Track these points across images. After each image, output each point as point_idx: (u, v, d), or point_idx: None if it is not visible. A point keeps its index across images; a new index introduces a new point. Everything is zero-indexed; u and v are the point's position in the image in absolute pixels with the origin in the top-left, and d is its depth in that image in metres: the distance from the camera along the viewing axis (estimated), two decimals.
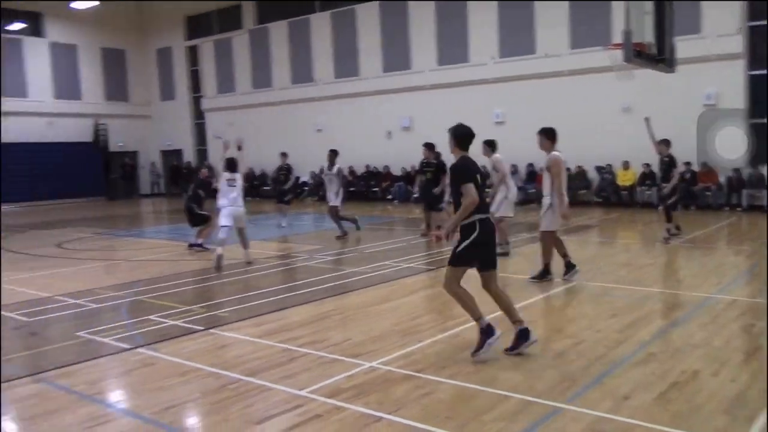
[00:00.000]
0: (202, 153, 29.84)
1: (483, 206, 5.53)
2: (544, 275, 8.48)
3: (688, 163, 16.63)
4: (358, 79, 24.01)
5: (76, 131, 28.40)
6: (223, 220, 10.49)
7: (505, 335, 5.55)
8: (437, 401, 4.58)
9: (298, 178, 19.81)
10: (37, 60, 27.55)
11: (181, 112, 30.49)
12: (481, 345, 5.42)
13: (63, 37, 28.35)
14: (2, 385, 5.16)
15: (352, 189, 23.82)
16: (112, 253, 12.92)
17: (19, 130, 25.32)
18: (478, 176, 5.50)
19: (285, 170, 16.46)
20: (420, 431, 4.08)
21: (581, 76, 18.66)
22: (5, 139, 24.92)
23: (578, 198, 18.22)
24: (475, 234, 5.42)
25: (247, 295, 8.28)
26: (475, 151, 6.01)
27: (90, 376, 5.38)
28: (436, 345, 5.91)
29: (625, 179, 18.43)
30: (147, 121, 31.42)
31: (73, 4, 26.44)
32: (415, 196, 20.40)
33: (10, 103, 25.27)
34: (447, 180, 12.11)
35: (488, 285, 5.63)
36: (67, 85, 28.46)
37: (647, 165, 17.37)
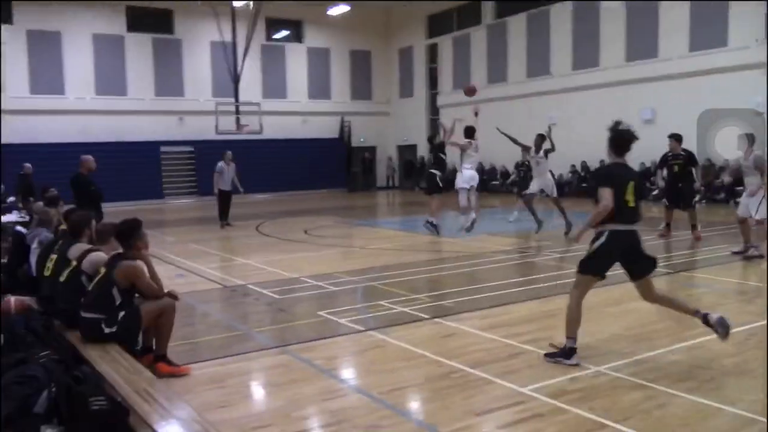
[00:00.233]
0: (429, 151, 30.73)
1: (622, 216, 5.09)
2: None
3: None
4: (598, 69, 22.87)
5: (326, 128, 30.98)
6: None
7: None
8: (671, 415, 4.23)
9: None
10: (296, 64, 30.55)
11: (418, 109, 31.72)
12: (561, 354, 5.25)
13: (318, 41, 31.04)
14: (257, 353, 5.85)
15: (584, 185, 22.90)
16: (350, 241, 13.90)
17: (278, 127, 28.25)
18: (632, 183, 5.09)
19: (526, 167, 16.20)
20: None
21: None
22: (271, 135, 27.82)
23: None
24: (601, 242, 5.13)
25: (472, 288, 8.37)
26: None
27: (327, 353, 5.86)
28: (671, 355, 5.45)
29: None
30: (386, 117, 33.21)
31: (330, 11, 28.88)
32: (655, 192, 18.91)
33: (272, 104, 28.31)
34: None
35: (645, 295, 5.39)
36: (319, 86, 31.15)
37: None
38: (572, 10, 23.79)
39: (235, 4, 24.31)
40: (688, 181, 11.84)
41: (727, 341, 5.18)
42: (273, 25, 29.75)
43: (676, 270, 9.24)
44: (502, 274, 9.39)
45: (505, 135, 12.72)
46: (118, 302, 5.11)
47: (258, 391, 5.18)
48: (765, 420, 4.07)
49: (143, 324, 5.24)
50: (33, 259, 6.92)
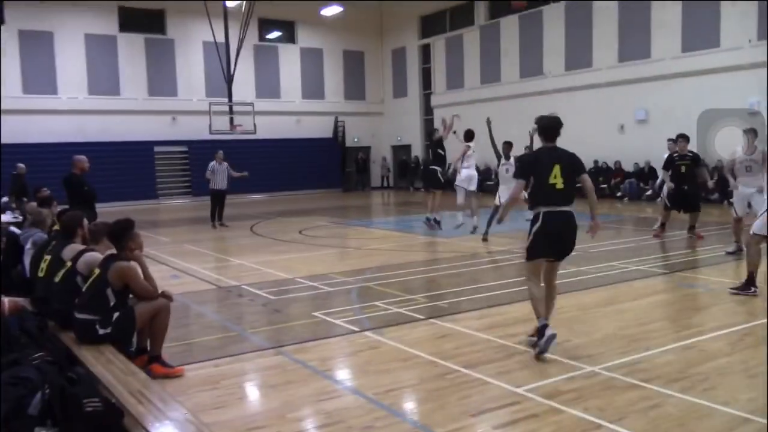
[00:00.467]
0: (428, 148, 30.75)
1: (551, 198, 5.41)
2: None
3: None
4: (591, 70, 22.96)
5: (319, 128, 30.96)
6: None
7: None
8: (666, 415, 4.24)
9: None
10: (289, 65, 30.52)
11: (412, 109, 31.76)
12: (539, 337, 5.45)
13: (311, 42, 31.04)
14: (252, 354, 5.84)
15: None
16: (345, 241, 13.90)
17: (272, 127, 28.19)
18: (558, 166, 5.34)
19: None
20: None
21: None
22: (264, 135, 27.74)
23: None
24: (537, 226, 5.41)
25: (467, 288, 8.38)
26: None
27: (322, 354, 5.85)
28: (666, 355, 5.46)
29: None
30: (380, 117, 33.22)
31: (323, 11, 28.86)
32: (648, 193, 19.06)
33: (265, 104, 28.28)
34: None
35: (547, 276, 5.70)
36: (313, 86, 31.13)
37: None
38: (565, 10, 23.86)
39: (228, 4, 24.27)
40: (694, 183, 11.74)
41: (541, 359, 5.34)
42: (266, 25, 29.74)
43: (671, 270, 9.28)
44: (498, 275, 9.41)
45: (490, 132, 12.45)
46: (112, 303, 5.09)
47: (253, 393, 5.17)
48: (760, 420, 4.09)
49: (137, 325, 5.22)
50: (27, 259, 6.87)
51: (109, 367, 4.52)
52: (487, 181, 26.03)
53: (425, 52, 30.99)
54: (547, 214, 5.38)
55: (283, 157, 29.12)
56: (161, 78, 27.40)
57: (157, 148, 27.18)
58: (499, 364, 5.34)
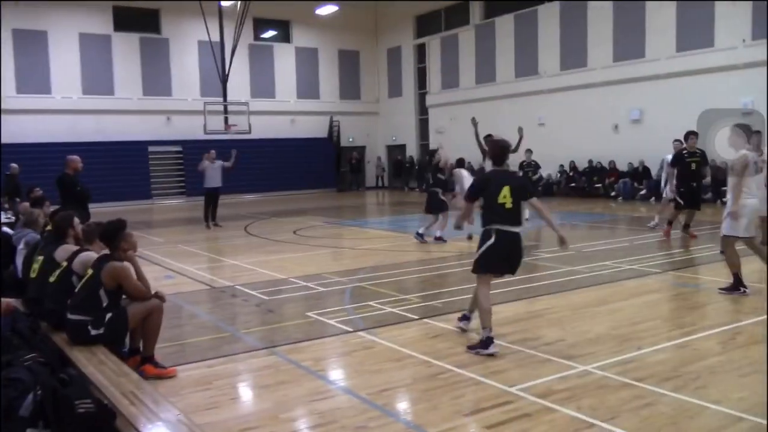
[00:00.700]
0: (424, 148, 30.80)
1: (501, 217, 5.59)
2: None
3: None
4: (586, 69, 23.00)
5: (314, 127, 30.94)
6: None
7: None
8: (658, 414, 4.26)
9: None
10: (284, 64, 30.48)
11: (407, 109, 31.75)
12: (481, 345, 5.61)
13: (306, 41, 31.01)
14: (245, 354, 5.84)
15: (572, 185, 23.04)
16: (339, 241, 13.89)
17: (266, 127, 28.14)
18: (507, 187, 5.54)
19: (533, 166, 16.16)
20: None
21: None
22: (259, 135, 27.70)
23: None
24: (490, 242, 5.59)
25: (461, 288, 8.37)
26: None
27: (315, 354, 5.85)
28: (658, 354, 5.48)
29: None
30: (375, 117, 33.22)
31: (318, 11, 28.83)
32: (642, 192, 19.07)
33: (260, 103, 28.24)
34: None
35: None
36: (308, 86, 31.09)
37: None
38: (560, 10, 23.90)
39: (223, 3, 24.25)
40: (700, 180, 11.75)
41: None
42: (261, 24, 29.70)
43: (664, 270, 9.30)
44: None
45: (476, 132, 12.37)
46: (105, 304, 5.07)
47: (246, 393, 5.17)
48: (751, 418, 4.11)
49: (130, 325, 5.21)
50: (19, 260, 6.86)
51: (101, 368, 4.51)
52: None
53: (420, 52, 31.00)
54: (500, 232, 5.58)
55: (277, 157, 29.09)
56: (156, 77, 27.34)
57: (151, 148, 27.12)
58: (492, 363, 5.34)
